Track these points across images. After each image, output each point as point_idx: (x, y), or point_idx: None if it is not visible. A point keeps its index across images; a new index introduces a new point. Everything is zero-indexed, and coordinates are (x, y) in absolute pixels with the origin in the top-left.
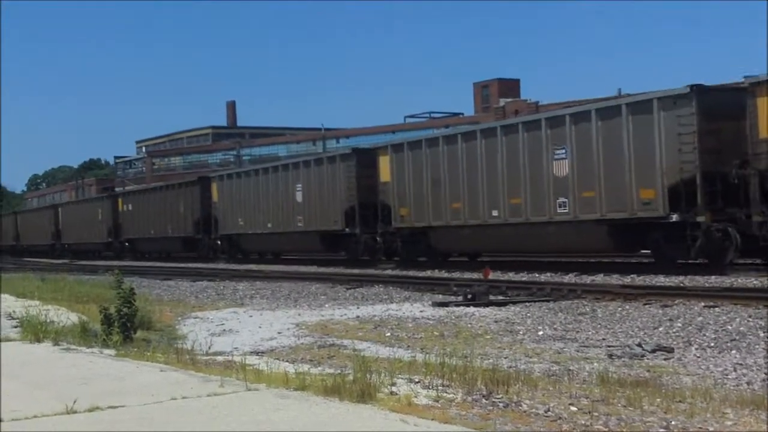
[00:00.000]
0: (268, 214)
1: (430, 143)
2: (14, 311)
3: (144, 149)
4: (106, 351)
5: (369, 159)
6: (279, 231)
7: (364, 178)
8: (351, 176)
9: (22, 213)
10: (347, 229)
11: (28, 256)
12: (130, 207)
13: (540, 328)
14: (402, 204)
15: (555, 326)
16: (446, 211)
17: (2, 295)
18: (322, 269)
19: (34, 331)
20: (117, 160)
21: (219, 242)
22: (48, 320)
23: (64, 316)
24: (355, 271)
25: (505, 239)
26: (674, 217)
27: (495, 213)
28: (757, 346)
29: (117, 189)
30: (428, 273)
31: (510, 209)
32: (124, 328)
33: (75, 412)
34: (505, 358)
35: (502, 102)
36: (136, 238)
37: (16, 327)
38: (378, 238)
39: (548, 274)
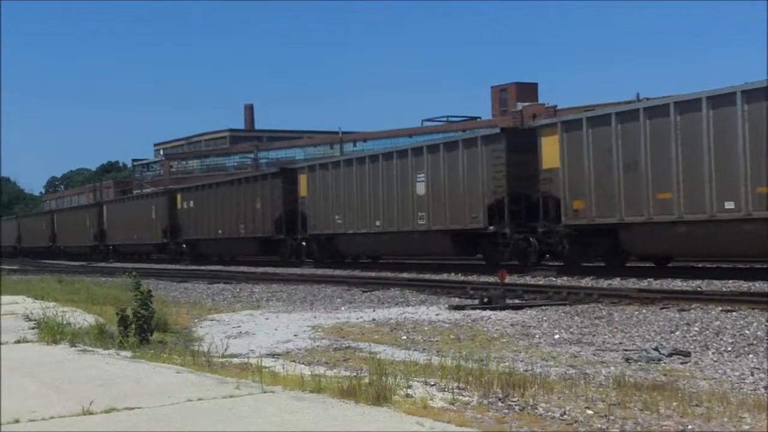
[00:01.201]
0: (377, 211)
1: (624, 117)
2: (32, 313)
3: (162, 152)
4: (123, 353)
5: (524, 141)
6: (391, 230)
7: (516, 164)
8: (498, 163)
9: (59, 212)
10: (491, 227)
11: (65, 259)
12: (191, 204)
13: (556, 331)
14: (577, 195)
15: (571, 330)
16: (648, 203)
17: (20, 297)
18: (338, 272)
19: (51, 332)
20: (135, 163)
21: (305, 243)
22: (65, 322)
23: (81, 317)
24: (372, 273)
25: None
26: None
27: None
28: None
29: (168, 186)
30: (444, 276)
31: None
32: (140, 330)
33: (92, 413)
34: (521, 361)
35: (520, 106)
36: (199, 239)
37: (33, 328)
38: (531, 239)
39: (565, 278)
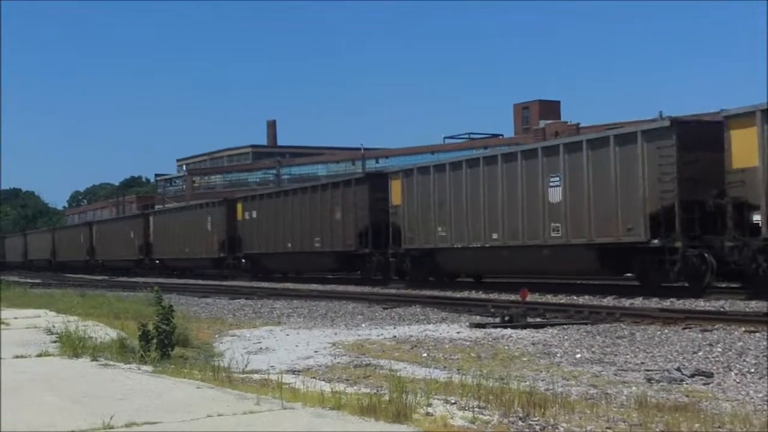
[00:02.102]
0: (494, 221)
1: None
2: (54, 326)
3: (184, 167)
4: (144, 367)
5: (701, 134)
6: (514, 244)
7: (689, 164)
8: (667, 162)
9: (99, 223)
10: (655, 241)
11: (102, 273)
12: (254, 214)
13: (578, 350)
14: None
15: (593, 349)
16: None
17: (42, 311)
18: (359, 288)
19: (73, 346)
20: (157, 178)
21: (393, 259)
22: (86, 336)
23: (102, 331)
24: (392, 291)
25: None
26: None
27: None
28: None
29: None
30: (465, 294)
31: None
32: (161, 345)
33: (112, 427)
34: (542, 380)
35: (542, 123)
36: (263, 253)
37: (55, 342)
38: (706, 255)
39: (586, 296)
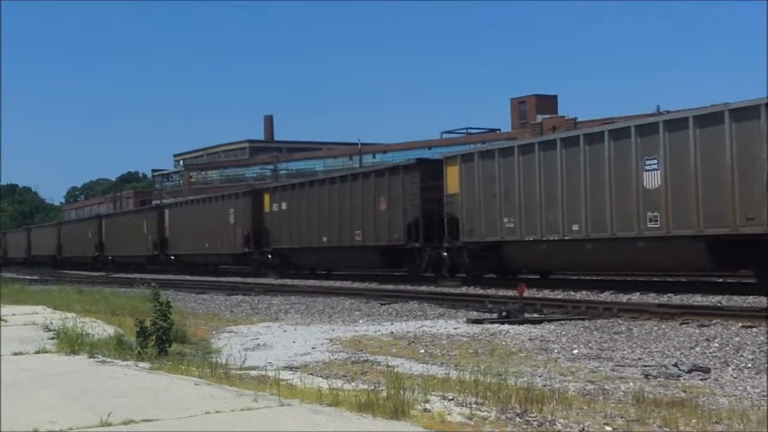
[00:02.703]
0: (575, 211)
1: None
2: (51, 323)
3: (181, 162)
4: (141, 364)
5: None
6: (599, 236)
7: None
8: None
9: (108, 217)
10: None
11: (116, 271)
12: (284, 206)
13: (575, 346)
14: None
15: (590, 345)
16: None
17: (39, 307)
18: (356, 284)
19: (70, 343)
20: (154, 173)
21: (446, 254)
22: (84, 332)
23: (99, 328)
24: (389, 287)
25: None
26: None
27: None
28: None
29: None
30: (463, 290)
31: None
32: (159, 342)
33: (110, 424)
34: (540, 376)
35: (540, 118)
36: (293, 248)
37: (52, 339)
38: None
39: (584, 292)
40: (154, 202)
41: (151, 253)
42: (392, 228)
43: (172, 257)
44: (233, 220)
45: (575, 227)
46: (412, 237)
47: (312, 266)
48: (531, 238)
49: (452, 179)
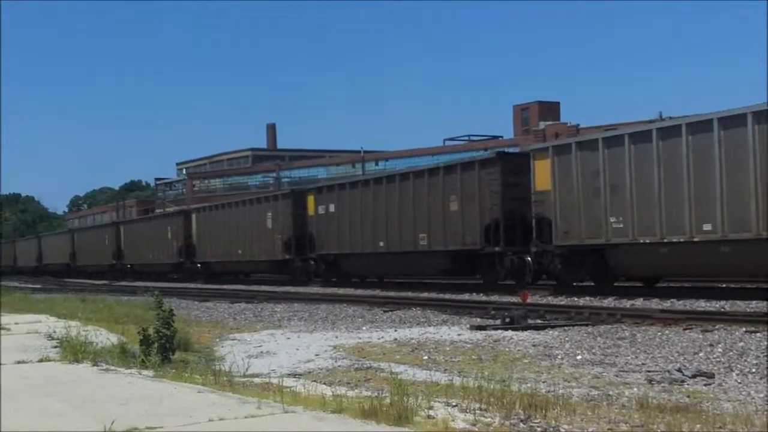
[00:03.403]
0: (706, 208)
1: None
2: (54, 331)
3: (184, 171)
4: (145, 372)
5: None
6: (739, 237)
7: None
8: None
9: (127, 223)
10: None
11: (133, 278)
12: (331, 208)
13: (578, 352)
14: None
15: (594, 351)
16: None
17: (42, 316)
18: (359, 291)
19: (74, 351)
20: (157, 182)
21: (529, 259)
22: (87, 341)
23: (103, 336)
24: (392, 293)
25: None
26: None
27: None
28: None
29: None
30: (466, 296)
31: None
32: (162, 350)
33: None
34: (544, 382)
35: (542, 125)
36: (343, 254)
37: (56, 347)
38: None
39: (587, 298)
40: (167, 208)
41: (176, 261)
42: (466, 231)
43: (199, 265)
44: (271, 225)
45: (707, 227)
46: (491, 240)
47: (364, 274)
48: (646, 240)
49: (542, 174)
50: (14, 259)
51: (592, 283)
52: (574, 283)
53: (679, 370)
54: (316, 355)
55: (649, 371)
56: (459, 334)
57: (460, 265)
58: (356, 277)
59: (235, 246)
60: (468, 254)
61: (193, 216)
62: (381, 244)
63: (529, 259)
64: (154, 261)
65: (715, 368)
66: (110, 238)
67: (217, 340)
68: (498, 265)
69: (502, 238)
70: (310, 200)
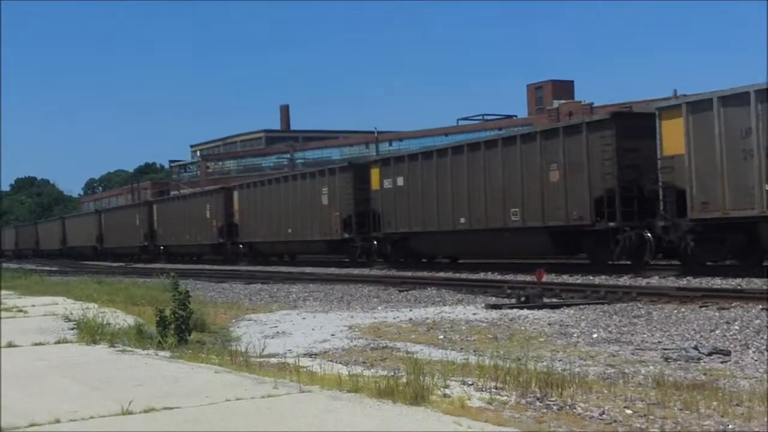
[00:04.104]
0: None
1: None
2: (71, 313)
3: (198, 153)
4: (161, 353)
5: None
6: None
7: None
8: None
9: (160, 202)
10: None
11: (167, 260)
12: (400, 182)
13: (594, 330)
14: None
15: (609, 329)
16: None
17: (59, 298)
18: (374, 272)
19: (91, 333)
20: (172, 164)
21: (649, 234)
22: (104, 322)
23: (120, 318)
24: (408, 273)
25: None
26: None
27: None
28: None
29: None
30: (481, 275)
31: None
32: (179, 331)
33: (131, 413)
34: (559, 360)
35: (556, 103)
36: (412, 232)
37: (72, 329)
38: None
39: (603, 276)
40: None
41: (216, 242)
42: (570, 204)
43: (241, 246)
44: (327, 201)
45: None
46: (604, 215)
47: (436, 254)
48: None
49: (672, 136)
50: (36, 241)
51: (732, 263)
52: (709, 263)
53: (695, 347)
54: (332, 335)
55: (665, 349)
56: (474, 313)
57: (561, 244)
58: (426, 257)
59: (284, 225)
60: (573, 231)
61: (235, 193)
62: (462, 220)
63: (649, 235)
64: (191, 242)
65: (732, 346)
66: (142, 219)
67: (233, 320)
68: (612, 242)
69: (618, 212)
70: (374, 173)
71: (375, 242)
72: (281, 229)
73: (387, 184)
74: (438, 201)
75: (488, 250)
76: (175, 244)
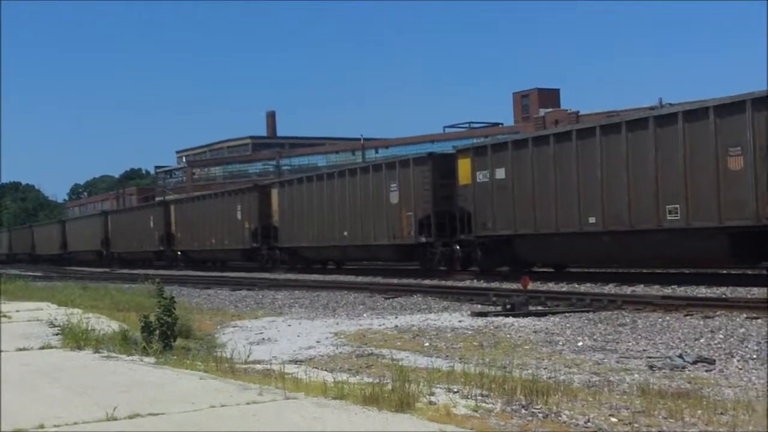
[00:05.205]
0: None
1: None
2: (56, 319)
3: (184, 159)
4: (146, 359)
5: None
6: None
7: None
8: None
9: (179, 202)
10: None
11: (186, 266)
12: (501, 174)
13: (579, 338)
14: None
15: (595, 337)
16: None
17: (44, 303)
18: (360, 278)
19: (75, 338)
20: (158, 170)
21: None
22: (89, 328)
23: (104, 324)
24: (394, 280)
25: None
26: None
27: None
28: None
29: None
30: (467, 283)
31: None
32: (164, 337)
33: (115, 419)
34: (545, 368)
35: (542, 112)
36: (520, 234)
37: (57, 334)
38: None
39: (588, 284)
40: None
41: (248, 246)
42: (698, 200)
43: (278, 251)
44: (397, 200)
45: None
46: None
47: (546, 260)
48: None
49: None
50: (32, 246)
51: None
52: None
53: (680, 356)
54: (318, 341)
55: (650, 357)
56: (460, 321)
57: (739, 247)
58: (530, 263)
59: (338, 227)
60: (757, 233)
61: (274, 191)
62: (591, 220)
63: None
64: (216, 247)
65: (716, 354)
66: (157, 221)
67: (219, 327)
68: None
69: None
70: (463, 164)
71: (458, 246)
72: (334, 233)
73: (481, 177)
74: (560, 196)
75: (629, 256)
76: (196, 249)
